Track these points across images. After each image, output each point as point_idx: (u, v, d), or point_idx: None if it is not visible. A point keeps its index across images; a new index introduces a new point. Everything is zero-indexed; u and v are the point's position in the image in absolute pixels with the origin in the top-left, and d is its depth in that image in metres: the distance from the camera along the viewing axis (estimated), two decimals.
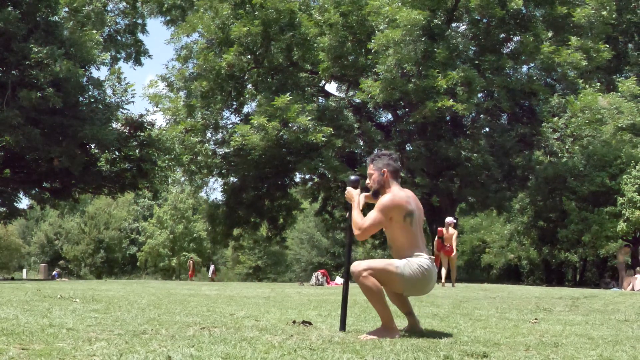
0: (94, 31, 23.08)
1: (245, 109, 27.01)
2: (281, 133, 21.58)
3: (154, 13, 28.34)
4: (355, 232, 4.25)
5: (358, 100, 24.30)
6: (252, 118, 21.96)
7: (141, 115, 24.50)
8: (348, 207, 4.45)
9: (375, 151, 4.16)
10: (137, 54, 30.14)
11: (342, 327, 4.44)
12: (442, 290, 11.79)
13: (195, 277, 35.52)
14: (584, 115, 21.29)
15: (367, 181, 4.40)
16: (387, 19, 20.96)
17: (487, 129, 23.99)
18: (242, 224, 27.95)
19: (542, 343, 4.07)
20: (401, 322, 4.67)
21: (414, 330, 4.45)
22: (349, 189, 4.42)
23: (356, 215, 4.27)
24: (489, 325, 5.17)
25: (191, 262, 34.62)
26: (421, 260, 4.18)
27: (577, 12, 21.66)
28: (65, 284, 14.29)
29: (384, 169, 4.31)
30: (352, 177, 4.46)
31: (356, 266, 4.13)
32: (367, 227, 4.20)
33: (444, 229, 15.11)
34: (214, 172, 26.97)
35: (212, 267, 35.93)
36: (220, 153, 26.46)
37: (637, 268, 18.26)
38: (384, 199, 4.24)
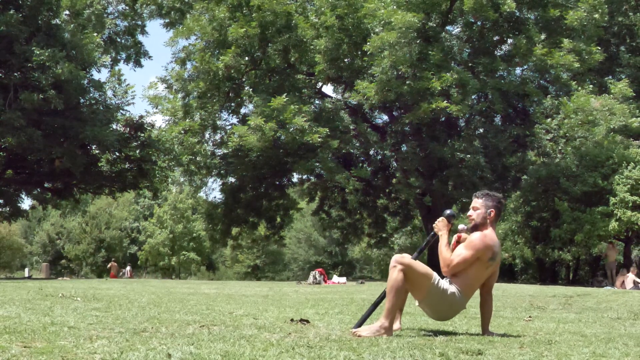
0: (95, 33, 23.23)
1: (243, 110, 27.07)
2: (278, 134, 21.68)
3: (153, 15, 28.40)
4: (443, 268, 4.46)
5: (354, 102, 24.39)
6: (249, 119, 22.08)
7: (141, 117, 24.69)
8: (429, 234, 4.73)
9: (485, 190, 4.43)
10: (137, 55, 30.24)
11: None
12: None
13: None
14: (576, 117, 21.41)
15: (470, 213, 4.55)
16: (382, 22, 20.99)
17: (481, 130, 24.08)
18: (240, 223, 28.05)
19: (536, 340, 4.15)
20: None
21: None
22: (443, 219, 4.58)
23: (445, 251, 4.46)
24: None
25: (112, 264, 34.70)
26: (455, 292, 4.41)
27: (570, 14, 21.60)
28: (67, 283, 14.36)
29: (492, 210, 4.50)
30: (449, 212, 4.62)
31: (398, 257, 4.34)
32: (456, 264, 4.41)
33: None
34: (213, 173, 27.04)
35: (128, 267, 36.56)
36: (219, 153, 26.56)
37: (631, 267, 18.48)
38: (476, 239, 4.41)
